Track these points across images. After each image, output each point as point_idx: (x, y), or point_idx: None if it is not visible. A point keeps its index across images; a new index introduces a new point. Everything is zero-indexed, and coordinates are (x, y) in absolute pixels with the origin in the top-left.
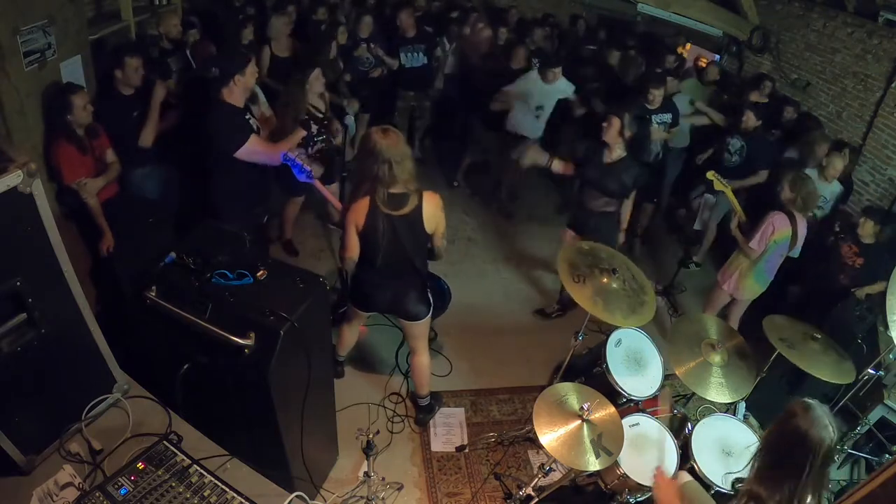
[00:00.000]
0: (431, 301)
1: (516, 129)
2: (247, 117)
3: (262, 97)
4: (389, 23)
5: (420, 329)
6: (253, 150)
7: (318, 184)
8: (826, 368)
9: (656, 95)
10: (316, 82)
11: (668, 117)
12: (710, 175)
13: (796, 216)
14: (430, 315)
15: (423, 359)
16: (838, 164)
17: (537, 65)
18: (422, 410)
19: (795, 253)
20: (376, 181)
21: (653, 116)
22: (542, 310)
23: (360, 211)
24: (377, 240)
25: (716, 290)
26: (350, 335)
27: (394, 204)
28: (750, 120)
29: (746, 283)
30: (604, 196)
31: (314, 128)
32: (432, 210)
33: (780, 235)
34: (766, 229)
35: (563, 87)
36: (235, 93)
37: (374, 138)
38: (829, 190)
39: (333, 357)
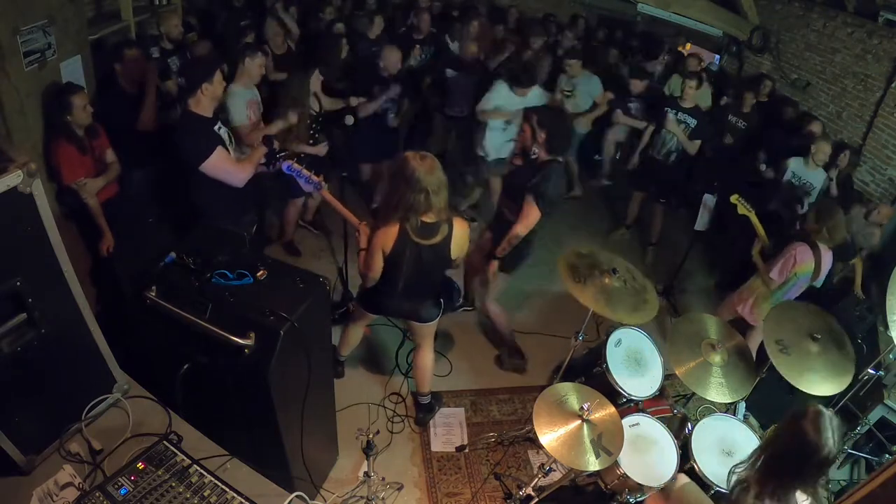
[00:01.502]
0: (443, 303)
1: (486, 153)
2: (216, 127)
3: (256, 97)
4: (394, 23)
5: (429, 329)
6: (217, 164)
7: (326, 194)
8: (817, 376)
9: (689, 89)
10: (315, 81)
11: (692, 122)
12: (734, 199)
13: (820, 248)
14: (440, 315)
15: (427, 356)
16: (825, 148)
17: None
18: (422, 409)
19: (818, 283)
20: (410, 209)
21: (677, 112)
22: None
23: (389, 236)
24: (401, 265)
25: (727, 305)
26: (354, 336)
27: (425, 233)
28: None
29: (763, 310)
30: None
31: (276, 144)
32: (461, 239)
33: (801, 269)
34: (788, 261)
35: (535, 98)
36: (203, 102)
37: (412, 164)
38: (815, 177)
39: (334, 357)
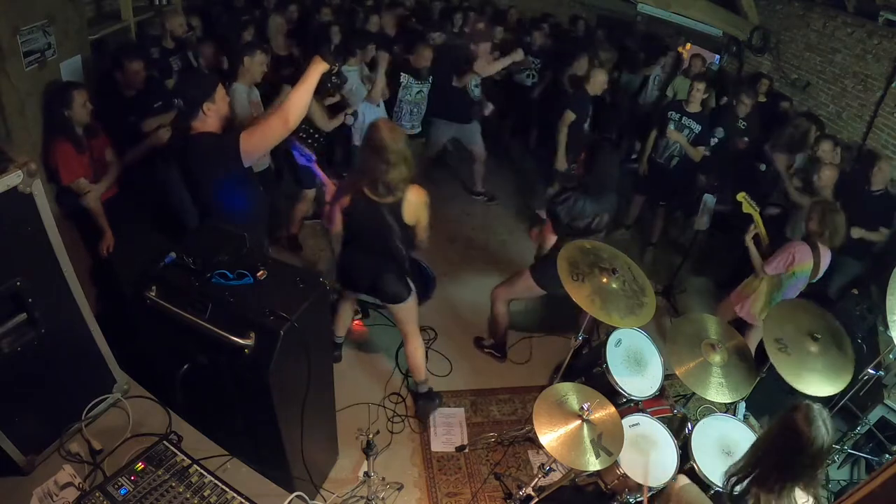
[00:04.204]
0: (412, 285)
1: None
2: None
3: (257, 97)
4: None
5: (405, 313)
6: (251, 135)
7: (316, 168)
8: (817, 376)
9: (696, 92)
10: None
11: (696, 127)
12: (740, 197)
13: (820, 248)
14: (413, 299)
15: (412, 343)
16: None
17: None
18: (421, 398)
19: (815, 279)
20: (375, 176)
21: (681, 116)
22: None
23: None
24: (357, 220)
25: (726, 306)
26: (345, 314)
27: (378, 192)
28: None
29: (760, 308)
30: None
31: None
32: (415, 203)
33: (800, 268)
34: (787, 258)
35: None
36: (210, 121)
37: (381, 134)
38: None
39: (332, 340)
